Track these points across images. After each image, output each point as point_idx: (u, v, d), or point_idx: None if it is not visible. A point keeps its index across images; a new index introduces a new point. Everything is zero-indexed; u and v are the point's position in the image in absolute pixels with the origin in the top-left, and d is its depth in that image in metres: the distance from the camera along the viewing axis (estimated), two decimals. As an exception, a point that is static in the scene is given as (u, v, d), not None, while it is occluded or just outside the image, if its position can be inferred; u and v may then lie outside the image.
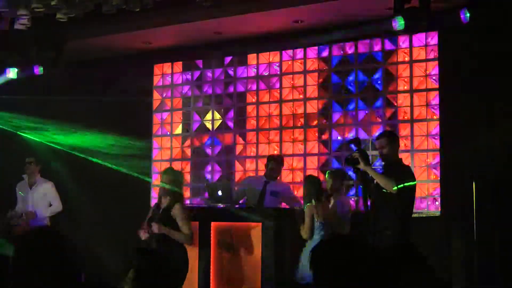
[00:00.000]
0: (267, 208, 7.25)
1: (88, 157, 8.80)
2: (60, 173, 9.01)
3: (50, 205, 8.24)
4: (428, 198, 7.81)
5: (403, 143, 7.94)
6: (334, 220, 6.62)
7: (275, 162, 7.67)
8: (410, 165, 7.43)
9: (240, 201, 7.69)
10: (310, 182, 6.70)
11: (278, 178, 7.82)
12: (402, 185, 5.82)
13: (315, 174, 8.46)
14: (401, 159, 6.31)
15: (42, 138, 9.06)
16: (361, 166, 5.91)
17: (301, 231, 6.49)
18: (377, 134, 8.02)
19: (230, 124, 9.17)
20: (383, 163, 6.24)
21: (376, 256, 2.21)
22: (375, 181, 5.95)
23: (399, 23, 6.57)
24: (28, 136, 9.06)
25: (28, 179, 8.29)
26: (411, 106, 8.03)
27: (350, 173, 7.49)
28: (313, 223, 6.42)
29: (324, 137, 8.55)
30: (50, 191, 8.25)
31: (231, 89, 9.21)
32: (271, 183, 7.53)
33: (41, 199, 8.21)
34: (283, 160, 7.93)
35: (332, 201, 6.76)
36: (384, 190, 5.87)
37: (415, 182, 6.06)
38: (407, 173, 6.04)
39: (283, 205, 7.63)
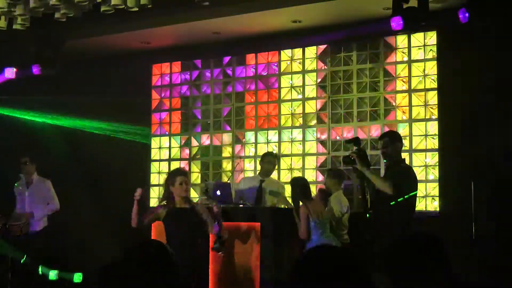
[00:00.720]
0: (265, 208, 7.24)
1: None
2: (58, 171, 8.98)
3: (48, 203, 8.22)
4: (426, 198, 7.81)
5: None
6: (333, 220, 6.62)
7: (272, 158, 7.68)
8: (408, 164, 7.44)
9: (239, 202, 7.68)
10: (293, 183, 6.69)
11: (272, 176, 7.80)
12: (401, 198, 5.80)
13: (314, 174, 8.49)
14: (403, 159, 6.29)
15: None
16: (358, 166, 5.91)
17: (299, 232, 6.48)
18: (376, 134, 8.05)
19: (229, 124, 9.17)
20: (385, 162, 6.25)
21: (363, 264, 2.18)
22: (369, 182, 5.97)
23: (397, 23, 6.57)
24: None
25: (25, 178, 8.27)
26: (410, 106, 8.03)
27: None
28: (308, 224, 6.40)
29: (323, 137, 8.56)
30: (47, 189, 8.23)
31: (230, 89, 9.21)
32: (267, 182, 7.54)
33: (39, 197, 8.18)
34: (279, 157, 7.97)
35: (331, 201, 6.76)
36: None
37: (415, 192, 6.04)
38: (406, 175, 6.02)
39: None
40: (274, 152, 8.31)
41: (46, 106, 9.25)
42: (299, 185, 6.57)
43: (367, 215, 6.01)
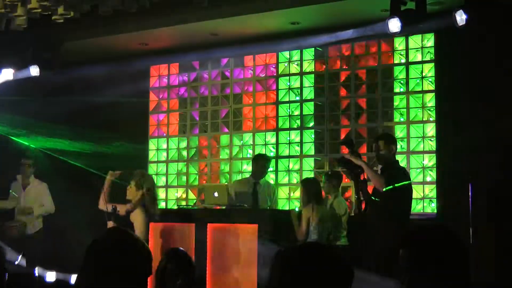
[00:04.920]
0: (263, 209, 7.24)
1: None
2: (53, 173, 8.94)
3: (42, 205, 8.20)
4: (424, 200, 7.81)
5: (399, 145, 7.95)
6: (330, 222, 6.61)
7: (266, 163, 7.70)
8: (406, 167, 7.45)
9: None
10: (309, 184, 6.66)
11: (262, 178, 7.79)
12: (391, 186, 5.82)
13: (312, 176, 8.48)
14: (397, 161, 6.32)
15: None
16: (354, 160, 5.91)
17: (297, 233, 6.47)
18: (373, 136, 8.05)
19: (227, 125, 9.17)
20: (379, 165, 6.26)
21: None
22: (364, 182, 5.98)
23: (395, 25, 6.58)
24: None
25: (22, 179, 8.26)
26: (407, 108, 8.04)
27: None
28: (308, 226, 6.40)
29: (321, 139, 8.55)
30: (43, 192, 8.21)
31: (228, 90, 9.21)
32: (260, 184, 7.54)
33: (34, 199, 8.18)
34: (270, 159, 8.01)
35: (328, 203, 6.76)
36: (381, 191, 5.88)
37: (408, 182, 6.08)
38: (400, 174, 6.05)
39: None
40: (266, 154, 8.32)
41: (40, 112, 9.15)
42: (314, 188, 6.54)
43: (362, 213, 6.03)
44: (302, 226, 6.41)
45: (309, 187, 6.57)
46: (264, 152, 8.60)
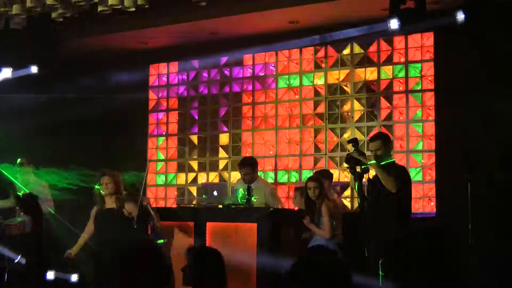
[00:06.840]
0: (262, 208, 7.23)
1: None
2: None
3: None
4: (423, 199, 7.82)
5: (398, 144, 7.97)
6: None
7: (239, 168, 7.42)
8: (405, 165, 7.45)
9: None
10: (319, 181, 6.61)
11: (258, 178, 7.65)
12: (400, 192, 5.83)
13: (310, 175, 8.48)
14: (393, 160, 6.31)
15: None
16: (363, 159, 5.87)
17: (321, 232, 6.33)
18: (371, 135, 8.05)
19: (226, 124, 9.17)
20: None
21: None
22: (368, 182, 5.97)
23: (394, 24, 6.58)
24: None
25: (21, 179, 8.23)
26: (407, 107, 8.04)
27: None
28: (332, 221, 6.31)
29: (320, 137, 8.56)
30: (43, 191, 8.19)
31: (227, 89, 9.21)
32: (252, 188, 7.45)
33: (35, 198, 8.15)
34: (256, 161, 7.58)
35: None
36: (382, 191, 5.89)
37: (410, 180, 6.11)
38: (403, 174, 6.06)
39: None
40: (248, 156, 8.13)
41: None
42: (322, 183, 6.50)
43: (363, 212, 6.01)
44: (327, 223, 6.30)
45: (319, 183, 6.52)
46: (263, 151, 8.60)
